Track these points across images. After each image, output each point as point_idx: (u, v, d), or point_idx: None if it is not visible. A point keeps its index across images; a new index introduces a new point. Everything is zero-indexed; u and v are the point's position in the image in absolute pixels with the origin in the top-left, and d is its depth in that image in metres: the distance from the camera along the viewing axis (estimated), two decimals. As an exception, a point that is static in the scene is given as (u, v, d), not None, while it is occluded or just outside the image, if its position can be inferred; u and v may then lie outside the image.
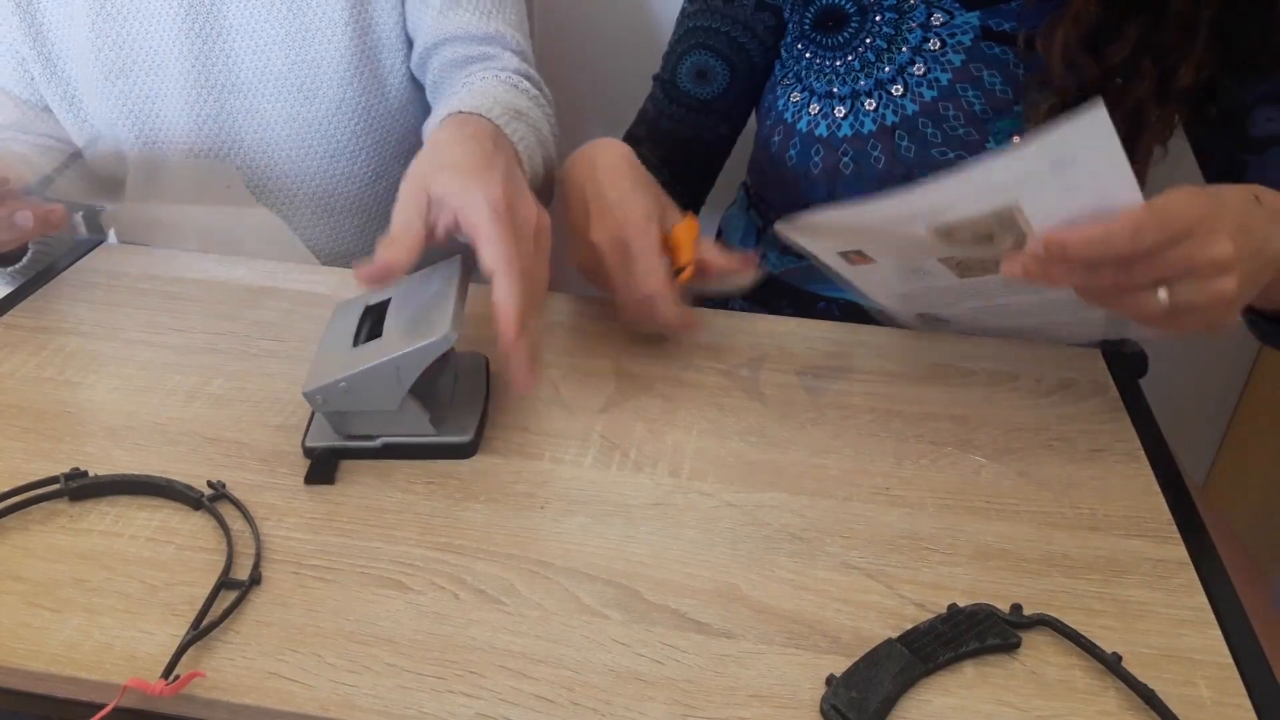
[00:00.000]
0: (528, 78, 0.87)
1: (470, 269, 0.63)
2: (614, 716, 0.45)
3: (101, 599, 0.50)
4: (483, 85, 0.82)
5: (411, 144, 0.93)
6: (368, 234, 0.94)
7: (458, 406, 0.63)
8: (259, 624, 0.49)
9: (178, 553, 0.53)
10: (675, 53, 0.86)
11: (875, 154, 0.79)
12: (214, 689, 0.46)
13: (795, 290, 0.87)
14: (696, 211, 0.92)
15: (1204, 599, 0.52)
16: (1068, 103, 0.74)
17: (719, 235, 0.99)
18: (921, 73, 0.78)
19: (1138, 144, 0.75)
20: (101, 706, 0.45)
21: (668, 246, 0.68)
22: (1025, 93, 0.76)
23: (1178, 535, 0.57)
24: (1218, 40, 0.71)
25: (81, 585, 0.51)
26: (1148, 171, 0.78)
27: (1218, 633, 0.50)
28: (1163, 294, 0.53)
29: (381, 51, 0.88)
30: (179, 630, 0.48)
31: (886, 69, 0.79)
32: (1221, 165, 0.78)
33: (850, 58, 0.80)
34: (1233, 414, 1.42)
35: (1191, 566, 0.54)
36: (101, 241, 0.84)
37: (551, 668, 0.48)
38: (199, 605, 0.50)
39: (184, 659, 0.46)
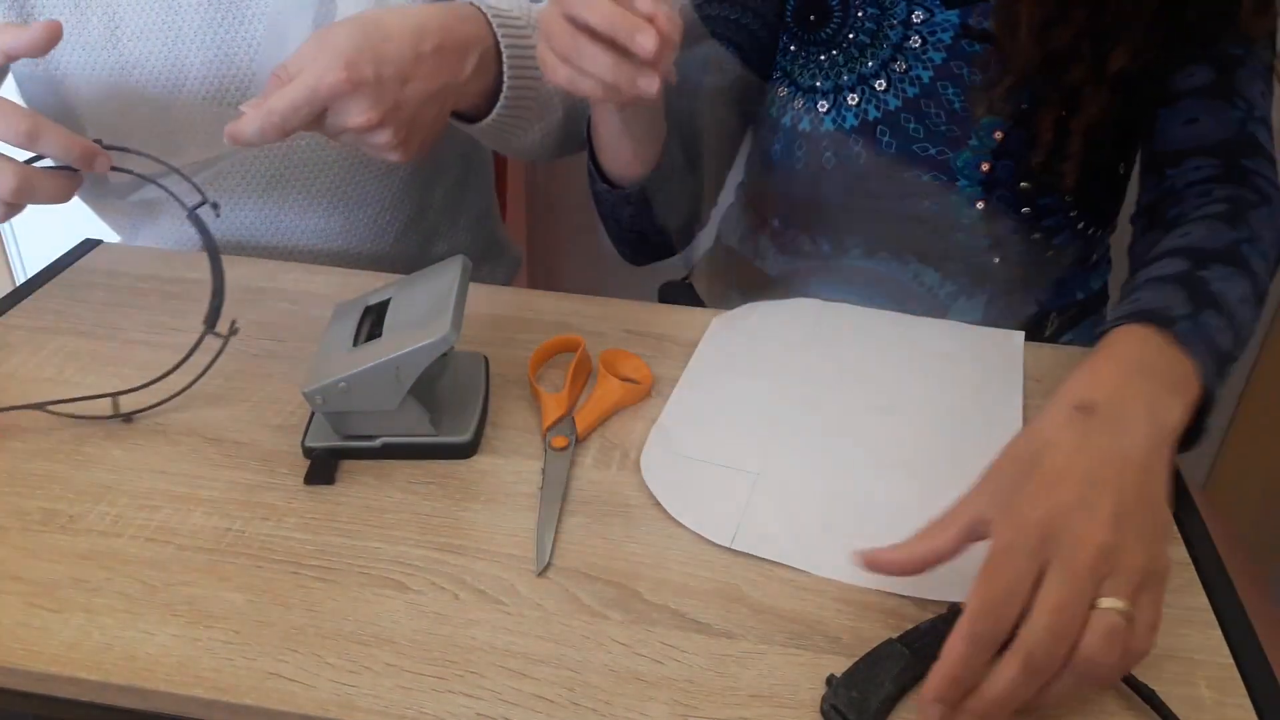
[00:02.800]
0: None
1: (470, 270, 0.63)
2: (614, 716, 0.45)
3: (101, 599, 0.50)
4: None
5: None
6: (381, 226, 0.92)
7: (458, 406, 0.63)
8: (259, 624, 0.49)
9: (178, 553, 0.53)
10: (684, 44, 0.86)
11: (857, 149, 0.79)
12: (214, 689, 0.46)
13: (795, 292, 0.87)
14: (714, 203, 0.92)
15: (1204, 599, 0.52)
16: (1015, 88, 0.74)
17: (718, 236, 0.99)
18: (903, 70, 0.78)
19: (1070, 124, 0.74)
20: (101, 707, 0.45)
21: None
22: (986, 70, 0.75)
23: (1178, 535, 0.57)
24: (1159, 25, 0.71)
25: (81, 585, 0.51)
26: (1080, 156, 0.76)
27: (1218, 633, 0.50)
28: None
29: None
30: (179, 630, 0.48)
31: (869, 64, 0.79)
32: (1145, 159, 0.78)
33: (834, 52, 0.80)
34: (1233, 414, 1.42)
35: (1192, 566, 0.54)
36: (100, 242, 0.83)
37: (551, 668, 0.48)
38: (199, 605, 0.50)
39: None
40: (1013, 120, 0.75)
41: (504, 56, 0.70)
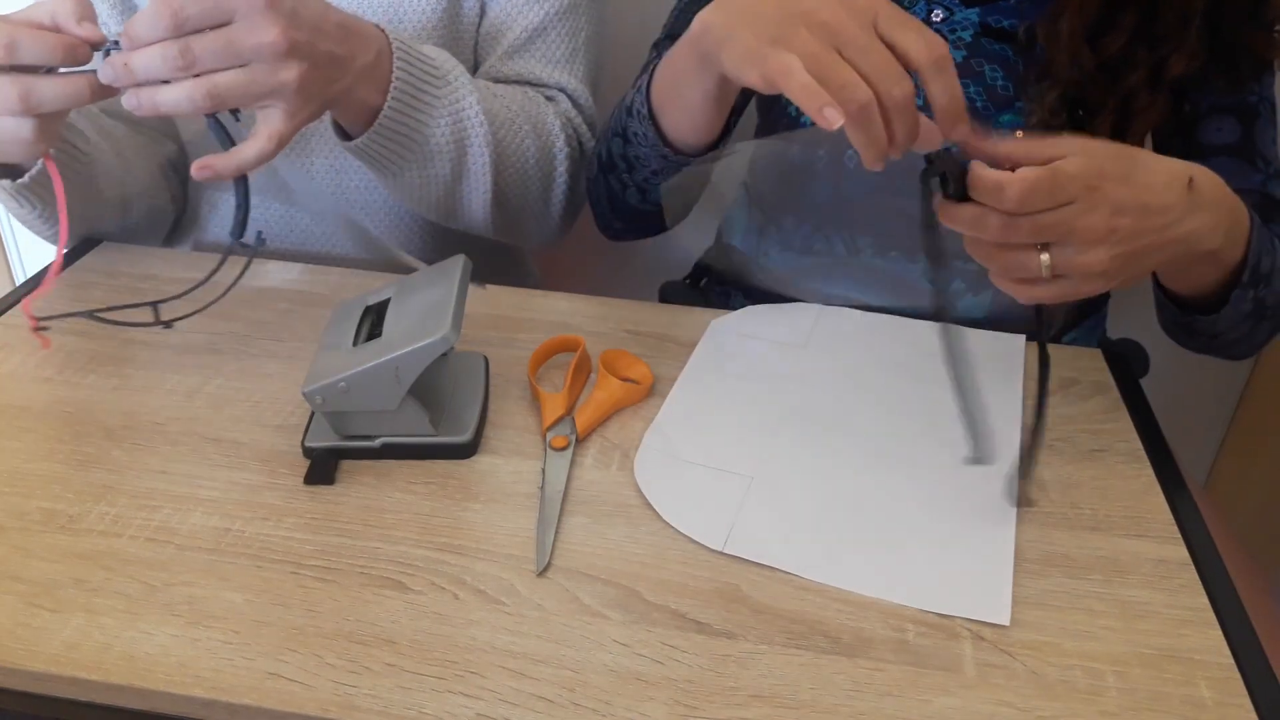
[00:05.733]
0: (570, 122, 0.84)
1: (470, 270, 0.63)
2: (614, 716, 0.45)
3: (101, 599, 0.50)
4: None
5: None
6: (433, 249, 0.92)
7: (458, 406, 0.63)
8: (259, 624, 0.49)
9: (178, 553, 0.53)
10: (688, 15, 0.85)
11: None
12: (214, 689, 0.46)
13: (800, 289, 0.87)
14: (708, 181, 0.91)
15: (1205, 599, 0.52)
16: (1069, 95, 0.74)
17: (719, 235, 0.99)
18: None
19: (1128, 130, 0.75)
20: (101, 707, 0.45)
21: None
22: (1025, 86, 0.76)
23: (1179, 535, 0.57)
24: (1209, 32, 0.72)
25: (81, 585, 0.51)
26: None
27: (1219, 633, 0.50)
28: (1045, 258, 0.55)
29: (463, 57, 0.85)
30: (179, 630, 0.48)
31: None
32: None
33: None
34: (1233, 414, 1.42)
35: (1192, 566, 0.54)
36: (100, 242, 0.83)
37: (551, 668, 0.48)
38: (198, 605, 0.50)
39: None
40: (1056, 126, 0.76)
41: (394, 67, 0.70)
